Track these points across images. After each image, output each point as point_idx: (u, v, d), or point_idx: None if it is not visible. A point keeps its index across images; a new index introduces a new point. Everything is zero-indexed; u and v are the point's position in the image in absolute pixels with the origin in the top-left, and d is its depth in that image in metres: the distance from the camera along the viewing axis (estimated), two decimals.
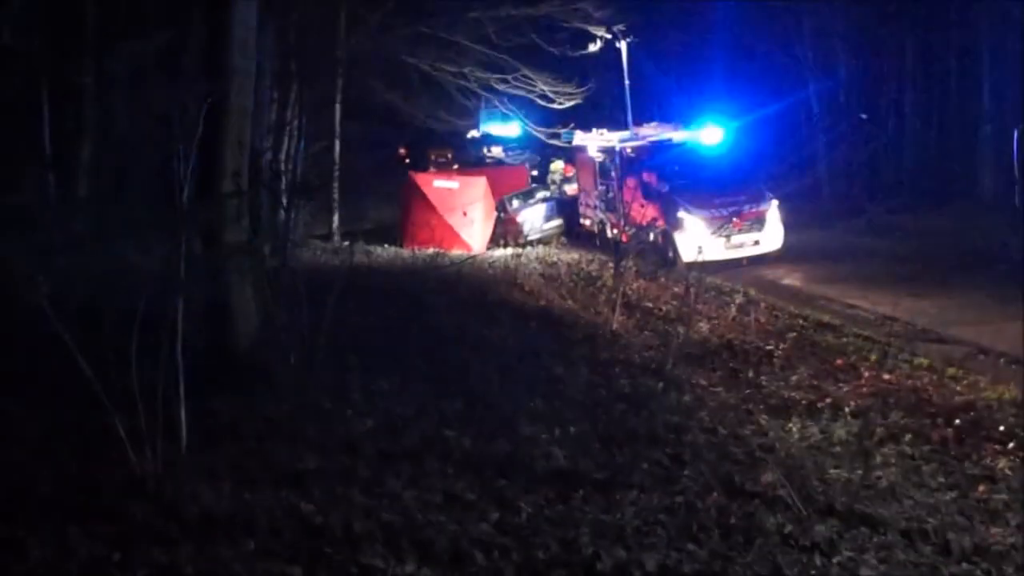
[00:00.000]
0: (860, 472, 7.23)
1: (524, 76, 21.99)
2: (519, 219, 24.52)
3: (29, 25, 15.43)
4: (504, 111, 23.97)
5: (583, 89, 22.20)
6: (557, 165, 28.27)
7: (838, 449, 8.15)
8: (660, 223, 19.40)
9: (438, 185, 23.87)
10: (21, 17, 14.57)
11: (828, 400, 9.63)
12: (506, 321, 13.09)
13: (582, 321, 13.46)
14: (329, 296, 9.55)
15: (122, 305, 7.06)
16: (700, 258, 14.24)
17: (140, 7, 17.26)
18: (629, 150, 21.69)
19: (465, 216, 22.95)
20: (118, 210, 9.59)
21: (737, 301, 14.85)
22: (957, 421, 8.91)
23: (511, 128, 29.44)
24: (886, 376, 10.56)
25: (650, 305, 15.11)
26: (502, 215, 24.31)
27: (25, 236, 9.52)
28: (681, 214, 19.27)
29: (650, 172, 20.61)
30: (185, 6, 15.35)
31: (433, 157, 34.10)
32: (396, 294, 14.47)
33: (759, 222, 19.24)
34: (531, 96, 22.31)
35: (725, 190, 19.65)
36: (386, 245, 22.43)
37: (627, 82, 25.98)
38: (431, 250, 21.44)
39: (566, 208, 25.34)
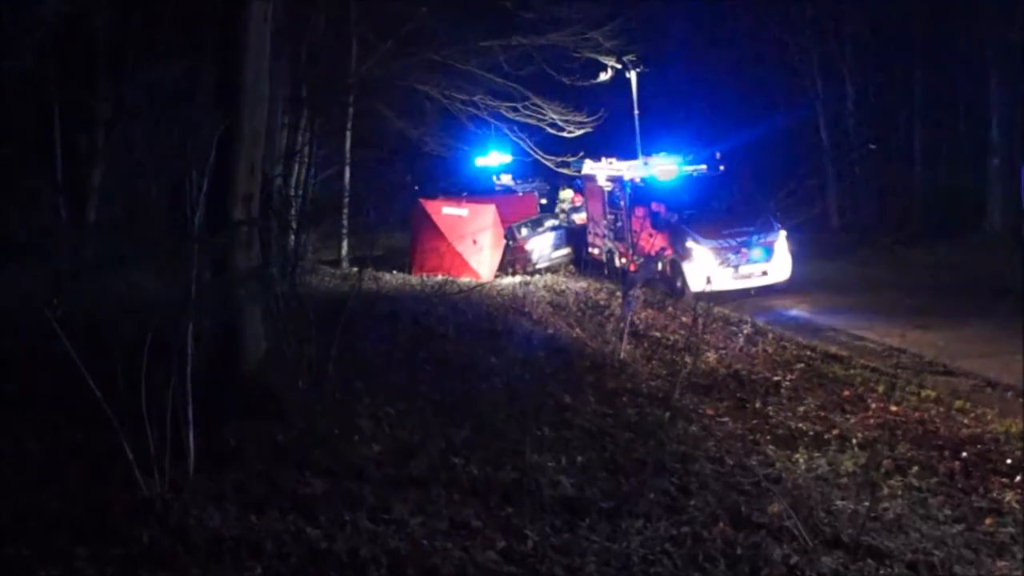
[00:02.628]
0: (867, 504, 7.24)
1: (534, 105, 22.05)
2: (528, 247, 24.57)
3: (45, 50, 15.57)
4: (514, 139, 24.00)
5: (593, 118, 22.21)
6: (566, 194, 28.35)
7: (845, 480, 8.16)
8: (668, 252, 19.44)
9: (447, 212, 23.88)
10: (40, 42, 14.71)
11: (835, 431, 9.65)
12: (514, 349, 13.10)
13: (589, 350, 13.46)
14: (338, 322, 9.59)
15: (132, 329, 7.10)
16: (708, 288, 14.23)
17: (154, 34, 17.40)
18: (638, 180, 21.75)
19: (474, 244, 22.96)
20: (129, 235, 9.63)
21: (745, 331, 14.88)
22: (964, 454, 8.94)
23: (510, 156, 29.51)
24: (893, 408, 10.56)
25: (658, 334, 15.13)
26: (511, 243, 24.34)
27: (38, 260, 9.58)
28: (689, 244, 19.32)
29: (659, 202, 20.68)
30: (199, 33, 15.48)
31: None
32: (404, 320, 14.49)
33: (767, 252, 19.26)
34: (541, 125, 22.36)
35: (734, 220, 19.71)
36: (395, 272, 22.46)
37: (636, 112, 26.05)
38: (440, 277, 21.43)
39: (575, 237, 25.37)
